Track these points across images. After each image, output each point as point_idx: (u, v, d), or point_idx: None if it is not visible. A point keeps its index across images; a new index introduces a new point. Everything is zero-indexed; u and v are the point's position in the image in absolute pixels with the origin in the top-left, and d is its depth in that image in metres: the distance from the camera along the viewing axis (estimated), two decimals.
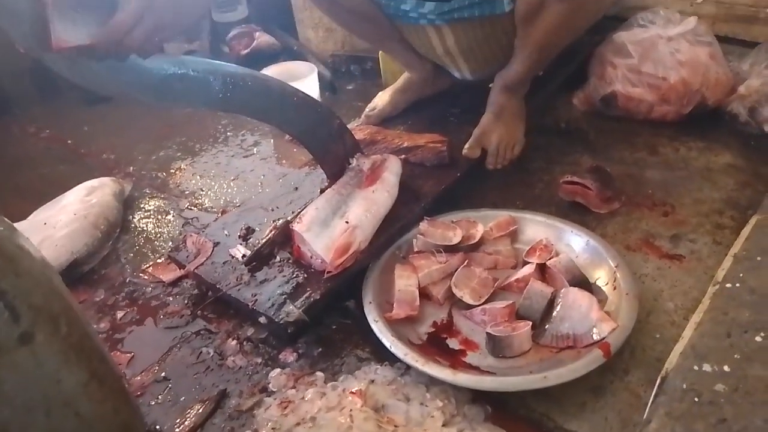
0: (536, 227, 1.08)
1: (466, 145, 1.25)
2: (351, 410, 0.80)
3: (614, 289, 0.93)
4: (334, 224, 1.03)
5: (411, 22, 1.27)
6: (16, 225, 0.66)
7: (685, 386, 0.56)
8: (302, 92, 1.07)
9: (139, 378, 0.93)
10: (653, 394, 0.59)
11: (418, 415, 0.81)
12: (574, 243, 1.03)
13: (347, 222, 1.02)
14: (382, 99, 1.46)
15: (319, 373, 0.90)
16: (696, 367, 0.57)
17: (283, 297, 0.97)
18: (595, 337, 0.85)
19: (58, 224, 1.19)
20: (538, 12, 1.13)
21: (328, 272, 0.98)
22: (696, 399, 0.55)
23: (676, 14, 1.45)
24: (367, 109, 1.46)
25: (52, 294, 0.65)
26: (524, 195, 1.25)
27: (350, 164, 1.14)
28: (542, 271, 0.99)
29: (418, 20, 1.24)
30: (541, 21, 1.14)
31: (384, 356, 0.91)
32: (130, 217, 1.32)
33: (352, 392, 0.84)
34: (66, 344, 0.64)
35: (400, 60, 1.47)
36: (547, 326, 0.90)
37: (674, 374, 0.58)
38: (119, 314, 1.06)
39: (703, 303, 0.66)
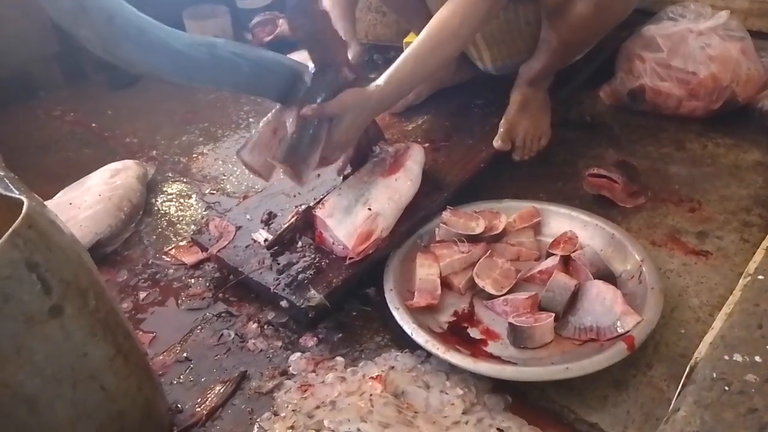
0: (560, 219, 1.07)
1: (497, 138, 1.24)
2: (371, 395, 0.80)
3: (639, 283, 0.92)
4: (357, 211, 1.03)
5: None
6: None
7: (714, 375, 0.55)
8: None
9: (161, 357, 0.94)
10: (681, 383, 0.58)
11: (438, 402, 0.81)
12: (599, 236, 1.02)
13: (370, 209, 1.02)
14: None
15: (339, 358, 0.90)
16: (726, 357, 0.57)
17: (305, 282, 0.97)
18: (619, 330, 0.85)
19: (82, 205, 1.20)
20: (566, 5, 1.12)
21: (350, 258, 0.98)
22: (726, 388, 0.54)
23: (707, 8, 1.42)
24: None
25: (81, 269, 0.65)
26: (547, 187, 1.24)
27: (374, 152, 1.14)
28: (566, 263, 0.98)
29: None
30: (568, 15, 1.13)
31: (404, 343, 0.91)
32: (153, 200, 1.33)
33: (372, 377, 0.84)
34: (93, 319, 0.65)
35: None
36: (570, 318, 0.89)
37: (704, 363, 0.57)
38: (141, 295, 1.07)
39: (734, 295, 0.65)
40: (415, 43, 1.02)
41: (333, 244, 1.02)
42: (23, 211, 0.58)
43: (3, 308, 0.56)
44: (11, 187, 0.65)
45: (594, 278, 0.93)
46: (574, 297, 0.91)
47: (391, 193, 1.05)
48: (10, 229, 0.56)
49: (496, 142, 1.23)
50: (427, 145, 1.22)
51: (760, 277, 0.65)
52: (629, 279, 0.95)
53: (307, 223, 1.06)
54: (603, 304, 0.88)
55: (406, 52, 1.02)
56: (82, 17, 0.84)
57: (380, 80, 1.00)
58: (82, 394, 0.64)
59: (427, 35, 1.02)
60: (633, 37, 1.45)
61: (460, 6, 1.01)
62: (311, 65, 0.99)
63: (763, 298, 0.62)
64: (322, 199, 1.08)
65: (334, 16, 1.23)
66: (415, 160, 1.13)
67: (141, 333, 0.99)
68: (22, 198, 0.60)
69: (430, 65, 1.04)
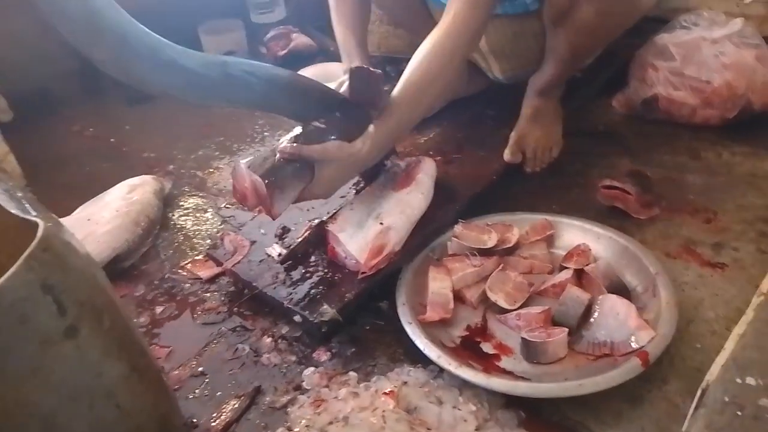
0: (573, 232, 1.07)
1: (507, 151, 1.24)
2: (383, 411, 0.80)
3: (654, 296, 0.91)
4: (369, 225, 1.03)
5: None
6: (61, 221, 0.68)
7: (726, 399, 0.54)
8: (341, 94, 1.07)
9: (176, 372, 0.95)
10: (693, 406, 0.57)
11: (451, 418, 0.81)
12: (613, 249, 1.02)
13: (381, 223, 1.02)
14: None
15: (352, 373, 0.91)
16: (739, 380, 0.56)
17: (318, 296, 0.98)
18: (633, 346, 0.84)
19: (101, 221, 1.22)
20: (567, 13, 1.12)
21: (362, 273, 0.99)
22: (738, 413, 0.53)
23: (721, 15, 1.41)
24: None
25: (96, 289, 0.67)
26: (561, 199, 1.23)
27: (386, 166, 1.15)
28: (579, 276, 0.97)
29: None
30: (570, 23, 1.13)
31: (417, 358, 0.91)
32: (170, 214, 1.35)
33: (384, 393, 0.84)
34: (108, 338, 0.66)
35: None
36: (583, 333, 0.89)
37: (715, 386, 0.56)
38: (158, 309, 1.08)
39: (747, 314, 0.64)
40: (404, 83, 0.98)
41: (345, 258, 1.02)
42: (38, 234, 0.60)
43: (20, 330, 0.58)
44: (28, 207, 0.67)
45: (607, 292, 0.92)
46: (588, 311, 0.91)
47: (403, 206, 1.06)
48: (26, 253, 0.58)
49: (506, 155, 1.23)
50: (439, 158, 1.22)
51: None
52: (643, 292, 0.94)
53: (320, 237, 1.07)
54: (617, 318, 0.87)
55: (398, 93, 0.97)
56: (95, 39, 0.86)
57: (371, 129, 0.94)
58: (98, 412, 0.66)
59: (418, 74, 0.98)
60: (646, 45, 1.44)
61: (447, 34, 0.98)
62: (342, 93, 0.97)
63: None
64: (334, 213, 1.09)
65: (340, 32, 1.24)
66: (426, 173, 1.13)
67: (158, 347, 1.00)
68: (38, 221, 0.62)
69: (425, 103, 1.00)
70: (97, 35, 0.84)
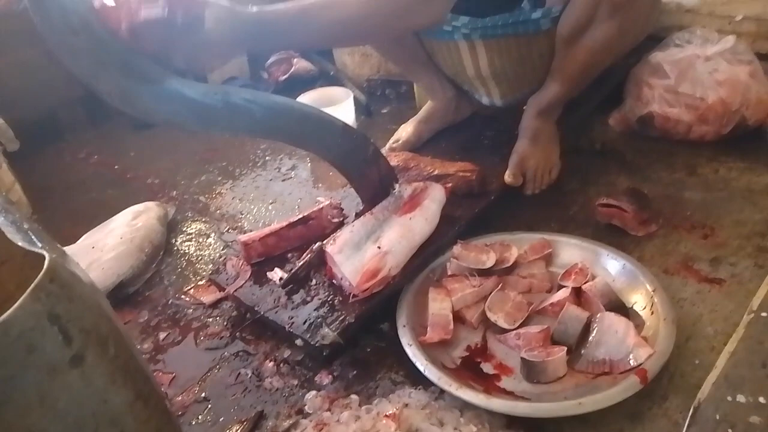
0: (571, 250, 1.08)
1: (508, 173, 1.24)
2: None
3: (652, 314, 0.92)
4: (366, 248, 1.04)
5: (444, 38, 1.26)
6: (66, 249, 0.70)
7: (718, 417, 0.55)
8: (339, 120, 1.10)
9: (180, 398, 0.96)
10: (686, 424, 0.58)
11: None
12: (611, 266, 1.03)
13: (379, 247, 1.03)
14: (405, 130, 1.47)
15: (354, 396, 0.91)
16: (729, 398, 0.56)
17: (319, 319, 0.99)
18: (632, 363, 0.85)
19: (105, 248, 1.24)
20: (581, 34, 1.13)
21: (353, 296, 1.00)
22: (730, 431, 0.54)
23: (713, 33, 1.43)
24: (391, 141, 1.46)
25: (100, 317, 0.68)
26: (559, 217, 1.24)
27: (393, 189, 1.15)
28: (578, 295, 0.98)
29: (452, 35, 1.24)
30: (584, 43, 1.14)
31: (418, 380, 0.91)
32: (173, 240, 1.37)
33: (386, 415, 0.84)
34: (113, 366, 0.67)
35: (423, 84, 1.49)
36: (582, 351, 0.90)
37: (707, 404, 0.57)
38: (161, 335, 1.10)
39: (738, 332, 0.65)
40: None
41: (341, 279, 1.03)
42: (45, 265, 0.61)
43: (27, 359, 0.59)
44: (34, 239, 0.69)
45: (606, 310, 0.93)
46: (587, 329, 0.91)
47: (404, 231, 1.06)
48: (33, 284, 0.59)
49: (508, 178, 1.24)
50: (450, 184, 1.22)
51: (764, 314, 0.65)
52: (641, 309, 0.95)
53: (321, 260, 1.08)
54: (615, 336, 0.88)
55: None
56: (101, 72, 0.89)
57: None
58: None
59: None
60: (640, 63, 1.46)
61: None
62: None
63: (767, 335, 0.62)
64: (334, 235, 1.10)
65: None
66: (433, 199, 1.14)
67: (161, 373, 1.01)
68: (44, 253, 0.63)
69: (322, 21, 0.95)
70: (103, 69, 0.87)
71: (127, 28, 0.85)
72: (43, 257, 0.63)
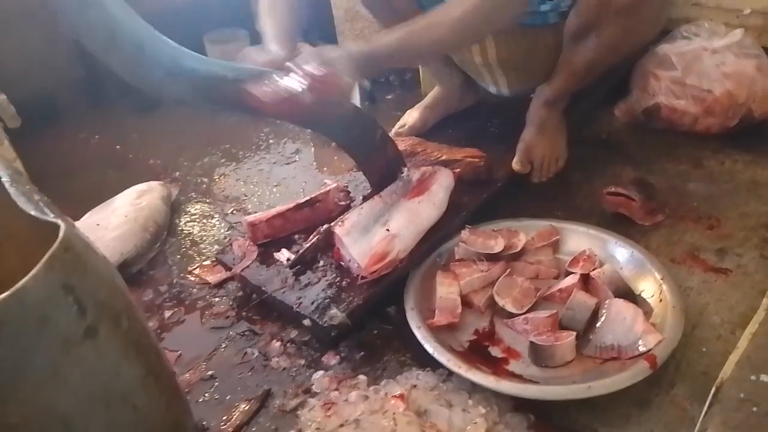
0: (579, 238, 1.08)
1: (515, 161, 1.25)
2: (394, 414, 0.81)
3: (660, 301, 0.93)
4: (374, 231, 1.04)
5: None
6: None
7: (742, 396, 0.55)
8: (349, 103, 1.09)
9: (186, 376, 0.96)
10: (707, 403, 0.58)
11: (461, 421, 0.82)
12: (619, 254, 1.03)
13: (388, 230, 1.03)
14: (411, 116, 1.47)
15: (362, 377, 0.91)
16: (753, 377, 0.57)
17: (327, 301, 0.98)
18: (641, 349, 0.85)
19: (109, 226, 1.23)
20: (588, 33, 1.13)
21: (361, 278, 0.99)
22: (754, 409, 0.54)
23: (721, 26, 1.43)
24: (396, 126, 1.47)
25: (114, 291, 0.67)
26: (565, 206, 1.24)
27: (402, 173, 1.15)
28: (586, 281, 0.98)
29: None
30: (592, 39, 1.14)
31: (425, 362, 0.91)
32: (177, 220, 1.36)
33: (394, 396, 0.85)
34: (126, 340, 0.67)
35: (431, 70, 1.48)
36: (591, 337, 0.90)
37: (730, 384, 0.57)
38: (167, 314, 1.09)
39: (758, 314, 0.65)
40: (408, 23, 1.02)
41: (349, 261, 1.03)
42: (60, 234, 0.61)
43: (41, 330, 0.58)
44: (46, 210, 0.68)
45: (614, 297, 0.93)
46: (595, 315, 0.92)
47: (412, 216, 1.06)
48: (48, 253, 0.58)
49: (516, 165, 1.24)
50: (458, 170, 1.22)
51: None
52: (650, 297, 0.95)
53: (328, 242, 1.08)
54: (624, 322, 0.88)
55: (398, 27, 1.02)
56: (113, 46, 0.88)
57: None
58: (115, 413, 0.66)
59: (422, 18, 1.02)
60: (647, 55, 1.46)
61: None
62: None
63: None
64: (342, 217, 1.10)
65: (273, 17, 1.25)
66: (441, 184, 1.13)
67: (167, 351, 1.00)
68: (58, 222, 0.63)
69: (423, 43, 1.03)
70: (116, 43, 0.86)
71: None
72: (57, 227, 0.62)
